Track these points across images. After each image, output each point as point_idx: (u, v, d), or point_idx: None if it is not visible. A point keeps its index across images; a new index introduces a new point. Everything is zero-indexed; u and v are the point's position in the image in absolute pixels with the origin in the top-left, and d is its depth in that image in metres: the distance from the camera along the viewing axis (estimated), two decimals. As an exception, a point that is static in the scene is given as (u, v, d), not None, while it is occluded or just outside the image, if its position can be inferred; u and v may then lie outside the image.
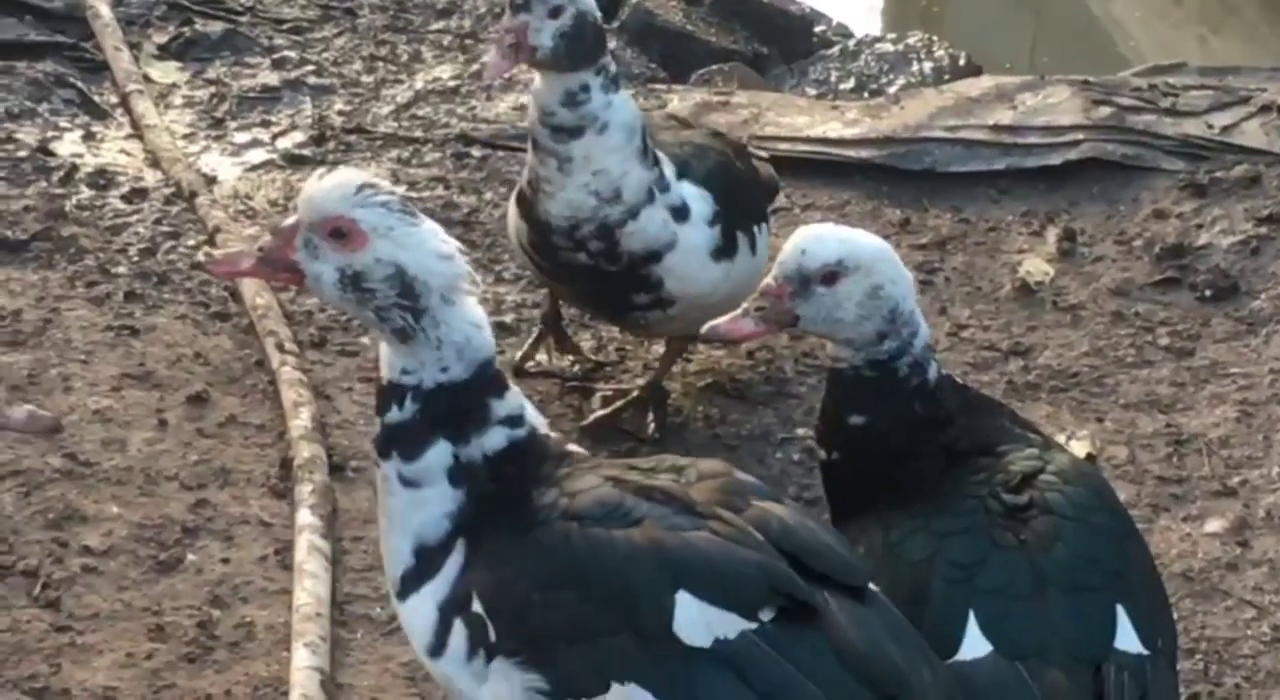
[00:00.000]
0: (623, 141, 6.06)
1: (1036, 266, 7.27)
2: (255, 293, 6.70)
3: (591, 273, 6.18)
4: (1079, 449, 6.26)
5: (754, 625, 4.21)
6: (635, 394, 6.59)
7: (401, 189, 7.55)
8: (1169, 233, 7.46)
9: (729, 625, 4.20)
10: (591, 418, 6.52)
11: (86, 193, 7.48)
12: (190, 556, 5.91)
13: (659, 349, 6.71)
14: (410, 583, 4.46)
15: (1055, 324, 7.06)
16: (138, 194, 7.44)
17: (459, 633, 4.37)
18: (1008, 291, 7.20)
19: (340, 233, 4.33)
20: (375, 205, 4.33)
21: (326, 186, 4.36)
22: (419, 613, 4.44)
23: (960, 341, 6.92)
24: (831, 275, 4.72)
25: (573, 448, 4.63)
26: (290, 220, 4.40)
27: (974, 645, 4.59)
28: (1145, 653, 4.64)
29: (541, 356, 6.76)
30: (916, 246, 7.37)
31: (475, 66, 7.04)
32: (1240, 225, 7.46)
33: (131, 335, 6.73)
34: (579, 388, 6.61)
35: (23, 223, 7.26)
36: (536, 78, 6.09)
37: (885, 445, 4.86)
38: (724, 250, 6.25)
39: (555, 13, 5.94)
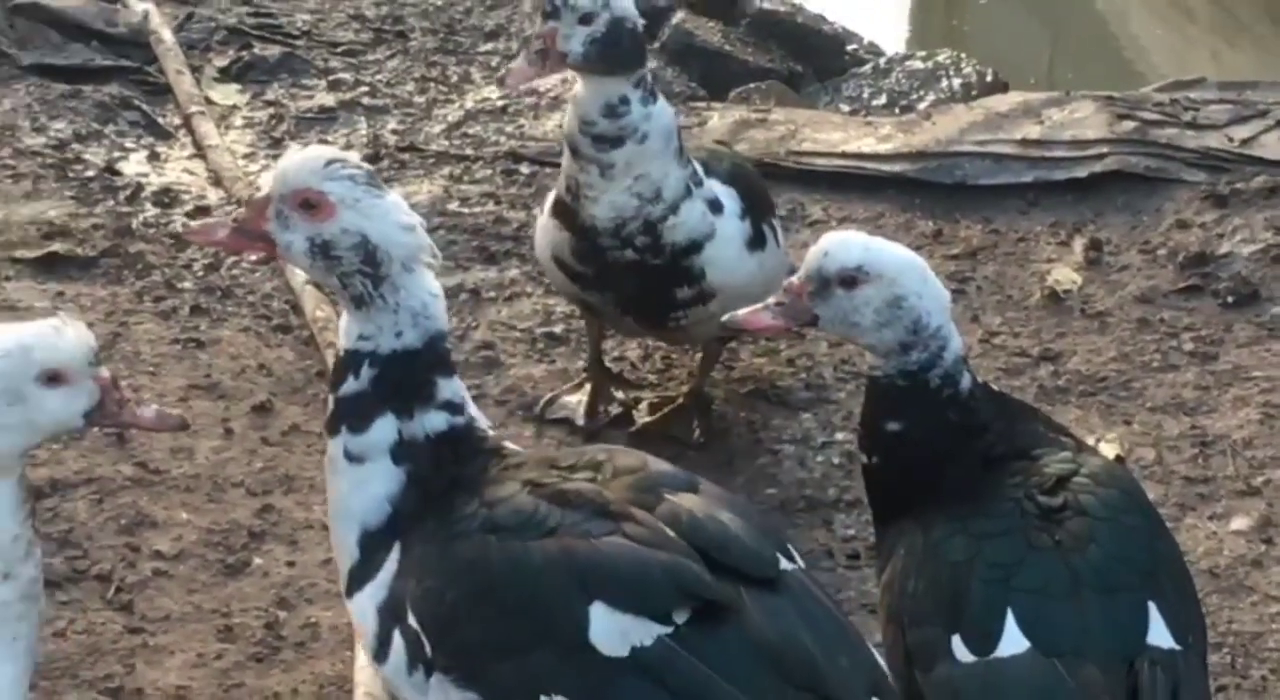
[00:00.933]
0: (662, 147, 6.06)
1: (1064, 275, 7.27)
2: (315, 306, 6.72)
3: (638, 269, 6.15)
4: (1108, 451, 6.26)
5: (669, 629, 4.20)
6: (680, 402, 6.59)
7: (453, 204, 7.60)
8: (1192, 242, 7.46)
9: (643, 632, 4.19)
10: (639, 424, 6.52)
11: (152, 211, 7.50)
12: (256, 560, 5.93)
13: (690, 364, 6.71)
14: (356, 580, 4.48)
15: (1083, 330, 7.06)
16: (201, 211, 7.46)
17: (398, 644, 4.38)
18: (1037, 299, 7.20)
19: (310, 204, 4.41)
20: (343, 178, 4.43)
21: (297, 161, 4.47)
22: (364, 614, 4.47)
23: (992, 348, 6.92)
24: (850, 279, 4.74)
25: (507, 444, 4.64)
26: (262, 193, 4.50)
27: (1012, 643, 4.59)
28: (1177, 648, 4.64)
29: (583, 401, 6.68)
30: (949, 257, 7.37)
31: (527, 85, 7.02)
32: (1260, 234, 7.46)
33: (198, 348, 6.76)
34: (625, 409, 6.58)
35: (91, 240, 7.28)
36: (578, 86, 6.07)
37: (922, 451, 4.87)
38: (755, 241, 6.27)
39: (587, 19, 5.91)
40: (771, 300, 4.91)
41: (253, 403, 6.51)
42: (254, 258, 4.71)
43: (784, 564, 4.42)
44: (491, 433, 4.66)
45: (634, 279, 6.16)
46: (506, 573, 4.28)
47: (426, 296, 4.49)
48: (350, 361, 4.49)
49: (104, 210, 7.47)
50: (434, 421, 4.49)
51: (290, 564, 5.87)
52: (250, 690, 5.47)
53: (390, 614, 4.37)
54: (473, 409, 4.59)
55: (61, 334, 4.21)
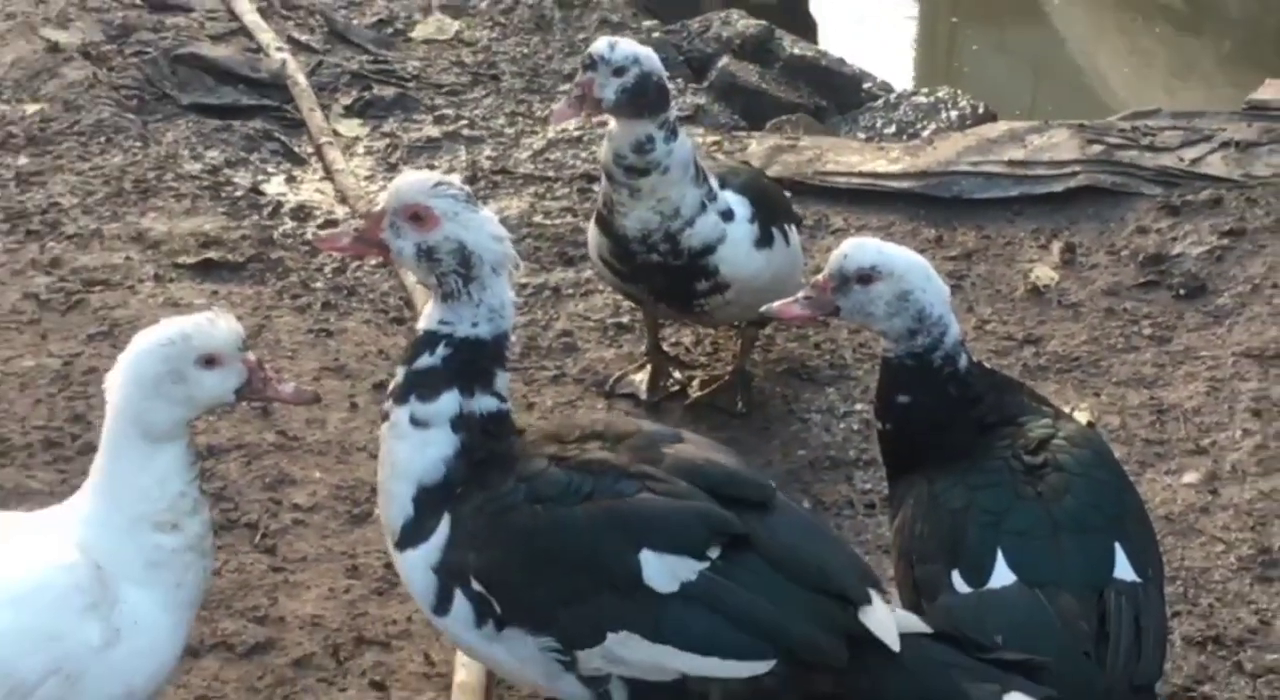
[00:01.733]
0: (680, 176, 6.07)
1: (1044, 273, 7.26)
2: (425, 301, 6.70)
3: (661, 268, 6.18)
4: (1081, 418, 6.24)
5: (706, 564, 4.28)
6: (726, 379, 6.60)
7: (538, 217, 7.60)
8: (1149, 245, 7.43)
9: (687, 569, 4.27)
10: (692, 398, 6.53)
11: (289, 224, 7.51)
12: (377, 511, 5.93)
13: (733, 347, 6.70)
14: (408, 537, 4.48)
15: (1060, 319, 7.04)
16: (330, 224, 7.46)
17: (463, 604, 4.38)
18: (1021, 293, 7.19)
19: (418, 217, 4.47)
20: (446, 196, 4.49)
21: (410, 182, 4.54)
22: (416, 572, 4.47)
23: (984, 334, 6.90)
24: (866, 277, 4.79)
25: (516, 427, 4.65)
26: (378, 208, 4.56)
27: (1001, 576, 4.61)
28: (1139, 581, 4.65)
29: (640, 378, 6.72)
30: (947, 258, 7.36)
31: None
32: (1207, 238, 7.43)
33: (328, 336, 6.77)
34: (681, 387, 6.58)
35: (240, 248, 7.30)
36: (611, 124, 6.09)
37: (927, 419, 4.88)
38: (763, 241, 6.23)
39: (619, 72, 5.94)
40: (801, 295, 4.96)
41: (373, 381, 6.51)
42: (372, 261, 4.78)
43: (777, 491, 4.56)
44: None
45: (660, 275, 6.19)
46: (562, 535, 4.32)
47: (505, 298, 4.52)
48: (427, 340, 4.52)
49: (250, 224, 7.49)
50: (487, 403, 4.51)
51: (405, 514, 5.88)
52: (372, 618, 5.48)
53: (449, 577, 4.39)
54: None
55: (215, 324, 4.25)
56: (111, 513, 4.27)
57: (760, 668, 4.28)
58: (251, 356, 4.28)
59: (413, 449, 4.49)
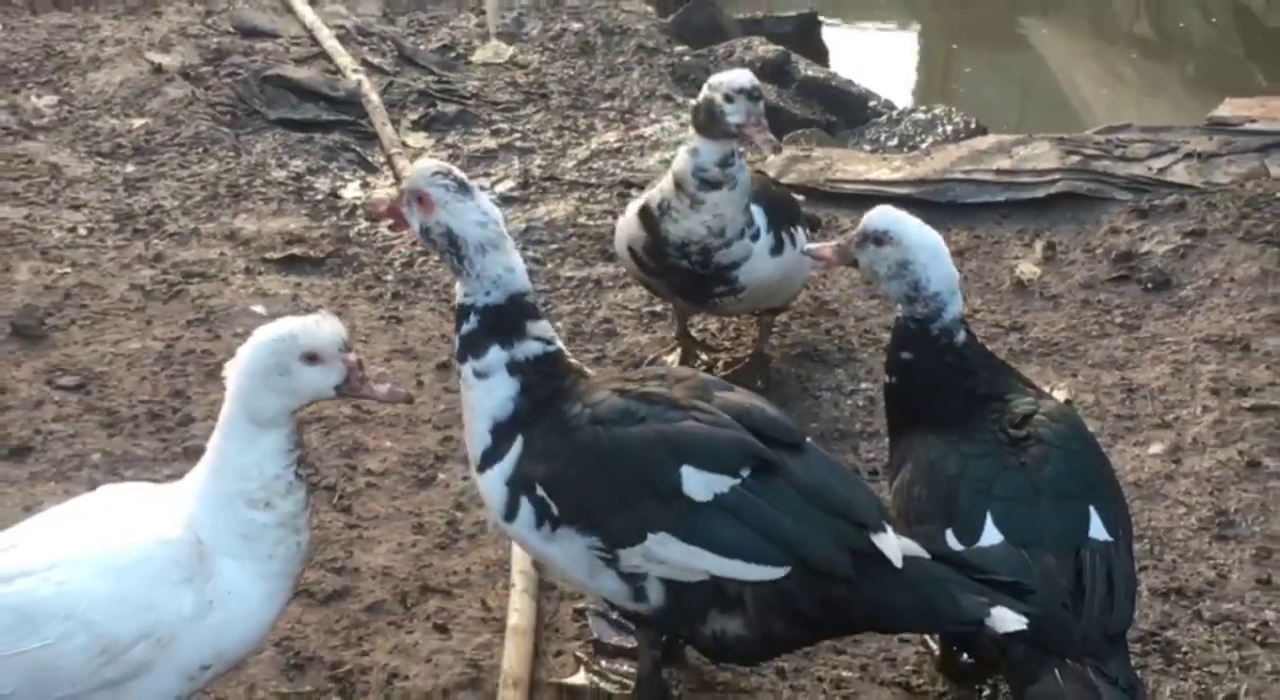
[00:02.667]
0: (741, 197, 6.07)
1: (1028, 268, 7.25)
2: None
3: (687, 273, 6.16)
4: (1060, 396, 6.23)
5: (738, 481, 4.43)
6: (747, 360, 6.60)
7: (582, 218, 7.60)
8: (1121, 243, 7.42)
9: (721, 483, 4.41)
10: (717, 378, 6.54)
11: (363, 224, 7.53)
12: (440, 475, 5.96)
13: (754, 332, 6.69)
14: (487, 460, 4.63)
15: (1041, 309, 7.04)
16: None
17: (526, 508, 4.55)
18: (1008, 286, 7.18)
19: (421, 200, 4.66)
20: (439, 185, 4.63)
21: (418, 169, 4.70)
22: (493, 487, 4.62)
23: (975, 322, 6.89)
24: (879, 239, 4.91)
25: (586, 369, 4.85)
26: (403, 186, 4.77)
27: (990, 536, 4.63)
28: (1111, 540, 4.66)
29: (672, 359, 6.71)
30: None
31: (636, 130, 7.00)
32: (1172, 238, 7.41)
33: (397, 323, 6.79)
34: (708, 366, 6.58)
35: (320, 245, 7.32)
36: (696, 143, 6.02)
37: (926, 379, 4.94)
38: (777, 248, 6.21)
39: (759, 97, 5.99)
40: (834, 242, 5.27)
41: (437, 362, 6.54)
42: (405, 231, 4.96)
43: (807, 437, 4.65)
44: (574, 360, 4.82)
45: (684, 276, 6.18)
46: (616, 450, 4.47)
47: (501, 270, 4.63)
48: (462, 311, 4.69)
49: (329, 224, 7.51)
50: (530, 348, 4.64)
51: (464, 479, 5.88)
52: (436, 569, 5.50)
53: (518, 487, 4.56)
54: (559, 343, 4.77)
55: (320, 326, 4.29)
56: (213, 488, 4.31)
57: (777, 573, 4.40)
58: (352, 357, 4.31)
59: (483, 394, 4.65)
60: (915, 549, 4.51)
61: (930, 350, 4.93)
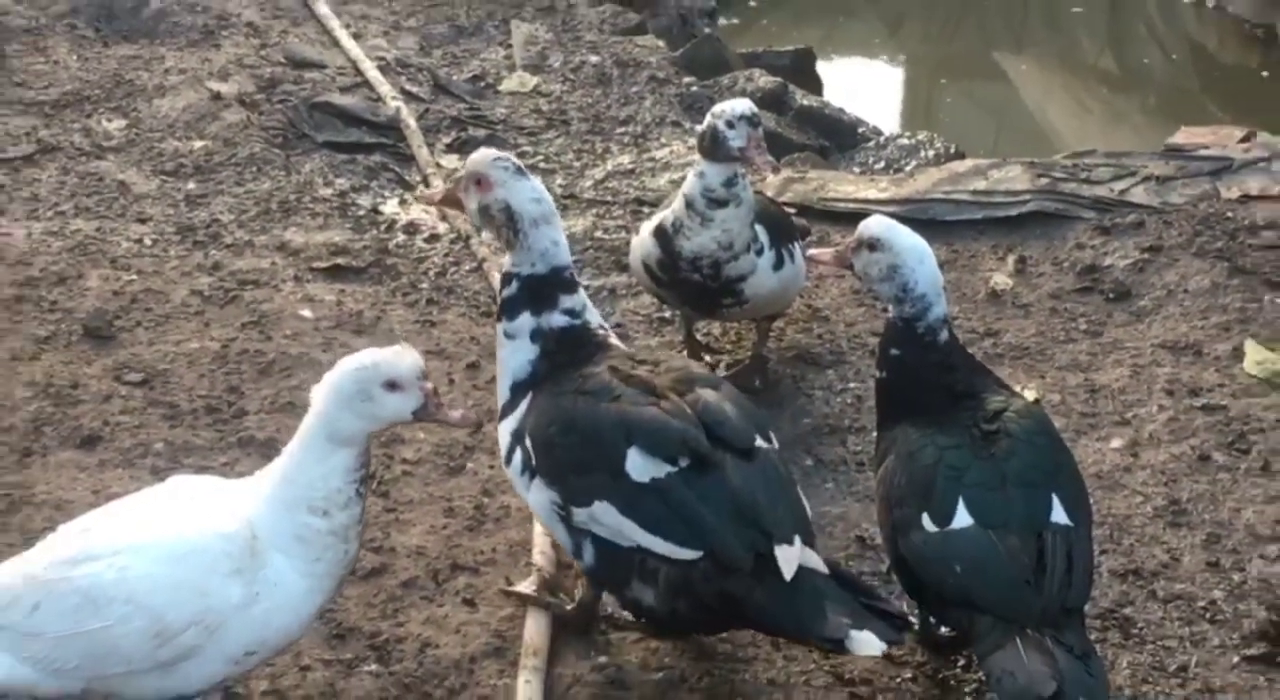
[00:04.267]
0: (746, 214, 6.06)
1: (1001, 280, 7.25)
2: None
3: (698, 286, 6.16)
4: (1029, 395, 6.23)
5: (675, 469, 4.57)
6: (746, 362, 6.60)
7: (599, 233, 7.61)
8: (1086, 258, 7.42)
9: (659, 469, 4.56)
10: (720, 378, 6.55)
11: (402, 237, 7.53)
12: (469, 465, 5.97)
13: (753, 336, 6.68)
14: (504, 412, 4.93)
15: (1013, 316, 7.04)
16: (434, 238, 7.50)
17: (518, 456, 4.81)
18: (983, 295, 7.19)
19: (480, 182, 4.92)
20: (499, 168, 4.90)
21: (477, 157, 4.96)
22: (502, 435, 4.89)
23: (954, 327, 6.89)
24: (873, 245, 4.98)
25: (614, 341, 5.04)
26: (459, 175, 5.06)
27: (962, 519, 4.65)
28: (1070, 524, 4.68)
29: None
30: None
31: (648, 153, 7.00)
32: (1131, 253, 7.42)
33: (431, 326, 6.80)
34: (712, 367, 6.58)
35: (362, 256, 7.33)
36: (704, 166, 6.01)
37: (910, 374, 4.97)
38: (778, 264, 6.21)
39: (758, 123, 6.00)
40: (833, 249, 5.39)
41: (467, 362, 6.54)
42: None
43: (760, 442, 4.72)
44: (605, 333, 5.02)
45: (694, 289, 6.18)
46: (583, 420, 4.67)
47: (548, 243, 4.89)
48: (506, 279, 4.94)
49: (370, 237, 7.52)
50: (556, 320, 4.89)
51: (491, 467, 5.89)
52: (465, 549, 5.51)
53: (518, 437, 4.79)
54: (593, 317, 4.99)
55: (401, 357, 4.35)
56: (281, 491, 4.34)
57: (690, 555, 4.53)
58: (429, 385, 4.35)
59: (509, 354, 4.93)
60: (816, 564, 4.58)
61: (916, 347, 4.97)
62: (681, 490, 4.56)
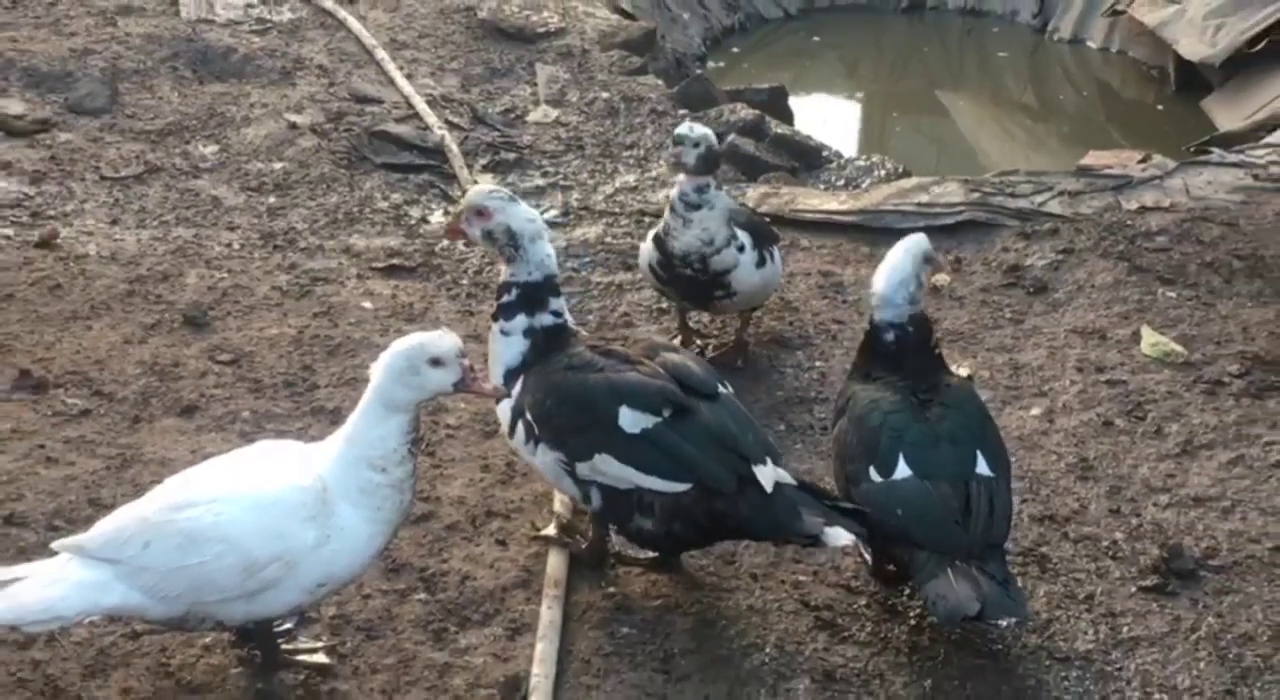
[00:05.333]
0: (719, 216, 6.10)
1: (940, 278, 7.23)
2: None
3: (691, 280, 6.18)
4: (963, 372, 6.26)
5: (660, 419, 4.69)
6: (731, 345, 6.61)
7: (609, 238, 7.61)
8: (1010, 259, 7.43)
9: (647, 421, 4.68)
10: (708, 358, 6.50)
11: (445, 243, 7.53)
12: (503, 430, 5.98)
13: (735, 324, 6.68)
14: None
15: (950, 307, 7.04)
16: (471, 243, 7.50)
17: (520, 429, 4.86)
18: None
19: (480, 213, 4.95)
20: (495, 199, 4.95)
21: (475, 192, 5.03)
22: (503, 413, 4.97)
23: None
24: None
25: (583, 333, 5.14)
26: (458, 209, 5.06)
27: (902, 471, 4.71)
28: (992, 476, 4.71)
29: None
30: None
31: (649, 173, 7.01)
32: (1048, 255, 7.43)
33: (470, 315, 6.80)
34: (701, 349, 6.57)
35: (413, 258, 7.33)
36: (682, 178, 6.10)
37: (870, 351, 5.15)
38: (760, 263, 6.23)
39: (697, 145, 6.01)
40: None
41: (499, 345, 6.56)
42: (461, 243, 5.28)
43: (721, 389, 4.88)
44: (577, 329, 5.10)
45: (690, 284, 6.20)
46: (576, 390, 4.75)
47: (543, 256, 4.95)
48: (506, 286, 4.98)
49: (419, 242, 7.52)
50: (545, 319, 4.96)
51: (519, 431, 5.92)
52: (497, 499, 5.53)
53: (517, 412, 4.83)
54: (569, 318, 5.04)
55: (443, 338, 4.38)
56: (347, 452, 4.37)
57: (680, 487, 4.66)
58: (466, 362, 4.39)
59: (503, 347, 4.97)
60: (787, 479, 4.74)
61: (874, 334, 5.10)
62: (669, 435, 4.66)
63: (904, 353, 5.04)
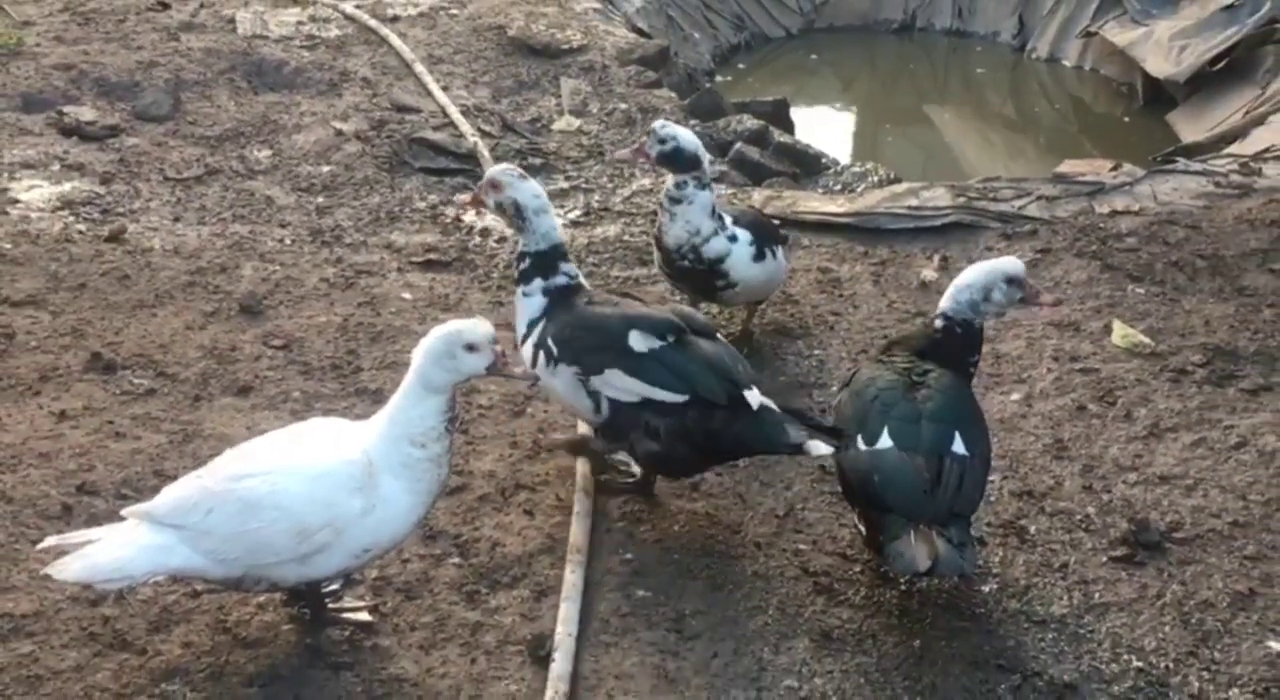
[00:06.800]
0: (701, 209, 6.07)
1: (929, 274, 7.22)
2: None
3: (690, 271, 6.16)
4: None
5: (664, 342, 4.95)
6: (738, 334, 6.58)
7: (627, 237, 7.60)
8: (993, 257, 7.31)
9: (653, 343, 4.94)
10: (717, 345, 6.57)
11: (478, 239, 7.52)
12: (529, 409, 5.96)
13: (742, 315, 6.66)
14: (523, 339, 5.17)
15: (938, 301, 6.93)
16: (502, 239, 7.48)
17: (541, 357, 5.06)
18: (915, 285, 7.16)
19: (494, 185, 5.17)
20: (508, 176, 5.16)
21: (493, 169, 5.23)
22: (526, 350, 5.15)
23: (892, 309, 6.89)
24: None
25: (588, 287, 5.28)
26: (481, 183, 5.26)
27: (885, 442, 4.73)
28: (966, 455, 4.70)
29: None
30: (871, 264, 7.33)
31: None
32: (1028, 254, 7.38)
33: (500, 305, 6.76)
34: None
35: (448, 253, 7.32)
36: (670, 176, 6.11)
37: (930, 327, 5.16)
38: (758, 256, 6.19)
39: (662, 142, 6.03)
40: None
41: (527, 333, 6.55)
42: (480, 211, 5.46)
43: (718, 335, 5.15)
44: (589, 287, 5.28)
45: (691, 275, 6.19)
46: (593, 319, 5.01)
47: (548, 227, 5.15)
48: (521, 257, 5.20)
49: (454, 238, 7.51)
50: (558, 280, 5.17)
51: (545, 411, 5.90)
52: (525, 472, 5.52)
53: (539, 345, 5.09)
54: (581, 279, 5.24)
55: (477, 326, 4.41)
56: (389, 429, 4.36)
57: (681, 398, 4.87)
58: (499, 347, 4.39)
59: (525, 305, 5.18)
60: (770, 404, 4.96)
61: (930, 322, 5.16)
62: (671, 354, 4.90)
63: (941, 346, 5.01)
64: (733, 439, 4.87)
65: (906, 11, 14.26)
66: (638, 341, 4.91)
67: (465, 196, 6.13)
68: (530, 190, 5.13)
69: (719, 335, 5.16)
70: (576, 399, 5.04)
